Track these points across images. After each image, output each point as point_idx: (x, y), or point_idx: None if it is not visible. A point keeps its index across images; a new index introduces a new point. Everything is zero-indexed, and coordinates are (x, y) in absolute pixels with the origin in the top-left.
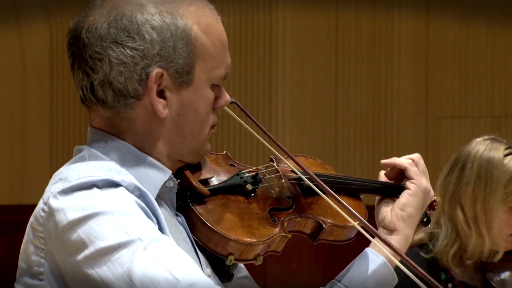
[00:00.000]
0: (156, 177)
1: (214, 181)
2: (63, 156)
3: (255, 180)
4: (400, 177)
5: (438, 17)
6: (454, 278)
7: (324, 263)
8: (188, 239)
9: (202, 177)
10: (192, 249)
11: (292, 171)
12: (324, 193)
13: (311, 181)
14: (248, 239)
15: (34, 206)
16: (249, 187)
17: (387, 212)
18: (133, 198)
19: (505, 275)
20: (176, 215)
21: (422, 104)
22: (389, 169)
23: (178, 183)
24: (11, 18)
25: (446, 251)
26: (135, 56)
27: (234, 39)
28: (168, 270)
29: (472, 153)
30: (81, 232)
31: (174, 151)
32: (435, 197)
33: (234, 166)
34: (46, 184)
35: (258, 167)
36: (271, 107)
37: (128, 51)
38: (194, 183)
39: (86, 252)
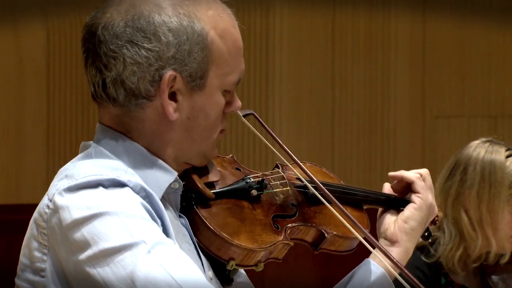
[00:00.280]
0: (162, 178)
1: (220, 184)
2: (60, 156)
3: (261, 186)
4: (405, 190)
5: (435, 17)
6: (454, 282)
7: (321, 265)
8: (191, 241)
9: (208, 180)
10: (195, 251)
11: (298, 178)
12: (329, 203)
13: (317, 190)
14: (251, 245)
15: (31, 205)
16: (254, 192)
17: (390, 223)
18: (138, 199)
19: (504, 277)
20: (180, 216)
21: (419, 103)
22: (395, 181)
23: (183, 184)
24: (8, 18)
25: (451, 255)
26: (149, 57)
27: None
28: (170, 274)
29: (473, 156)
30: (85, 231)
31: (181, 153)
32: (438, 212)
33: (240, 170)
34: (42, 183)
35: (264, 173)
36: (268, 108)
37: (143, 51)
38: (199, 185)
39: (90, 252)
